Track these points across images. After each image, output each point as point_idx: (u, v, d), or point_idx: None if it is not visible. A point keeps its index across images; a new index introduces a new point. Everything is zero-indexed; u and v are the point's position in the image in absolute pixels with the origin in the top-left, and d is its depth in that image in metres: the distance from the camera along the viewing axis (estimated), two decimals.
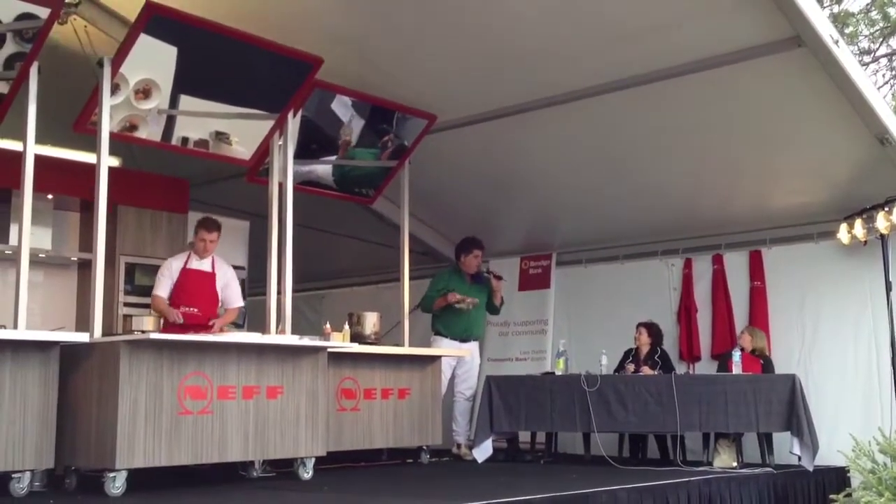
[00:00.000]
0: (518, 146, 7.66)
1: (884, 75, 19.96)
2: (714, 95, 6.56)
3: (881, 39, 19.46)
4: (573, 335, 8.47)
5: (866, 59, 19.68)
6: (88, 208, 6.76)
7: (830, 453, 6.54)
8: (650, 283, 8.26)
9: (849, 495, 6.21)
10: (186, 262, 6.51)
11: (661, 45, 6.19)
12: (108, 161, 5.71)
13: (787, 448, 6.68)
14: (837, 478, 6.59)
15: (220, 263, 6.65)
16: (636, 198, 7.82)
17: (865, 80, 6.13)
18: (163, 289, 6.43)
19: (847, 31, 19.28)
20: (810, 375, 7.18)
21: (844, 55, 5.84)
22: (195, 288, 6.46)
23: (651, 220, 8.05)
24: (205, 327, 6.28)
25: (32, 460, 5.01)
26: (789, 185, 7.33)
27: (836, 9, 19.12)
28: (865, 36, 19.58)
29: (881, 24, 19.15)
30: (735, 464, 6.64)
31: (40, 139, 5.60)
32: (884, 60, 19.84)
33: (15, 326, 5.20)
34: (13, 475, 4.96)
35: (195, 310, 6.40)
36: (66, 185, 7.24)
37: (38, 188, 5.51)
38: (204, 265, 6.54)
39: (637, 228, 8.22)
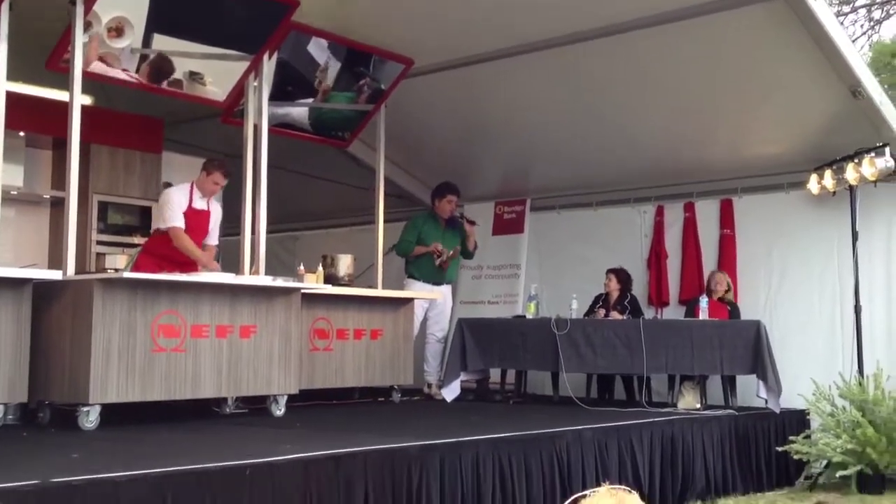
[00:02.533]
0: (495, 92, 7.67)
1: (862, 26, 19.99)
2: (691, 45, 6.58)
3: None
4: (545, 280, 8.58)
5: (846, 9, 19.68)
6: (61, 146, 6.72)
7: (792, 397, 6.73)
8: (622, 229, 8.36)
9: (808, 437, 6.43)
10: (191, 201, 6.28)
11: None
12: (80, 99, 5.67)
13: (749, 391, 6.87)
14: (797, 420, 6.78)
15: (214, 201, 6.50)
16: (610, 145, 7.87)
17: (840, 32, 6.18)
18: (180, 220, 6.16)
19: None
20: (775, 322, 7.33)
21: (820, 7, 5.89)
22: (193, 227, 6.27)
23: (625, 167, 8.10)
24: (192, 265, 6.20)
25: (5, 394, 5.07)
26: (762, 135, 7.40)
27: None
28: None
29: None
30: (699, 405, 6.80)
31: (12, 76, 5.54)
32: (862, 11, 19.86)
33: None
34: None
35: None
36: (38, 123, 7.18)
37: (10, 125, 5.47)
38: (203, 203, 6.35)
39: (611, 175, 8.28)
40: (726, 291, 7.45)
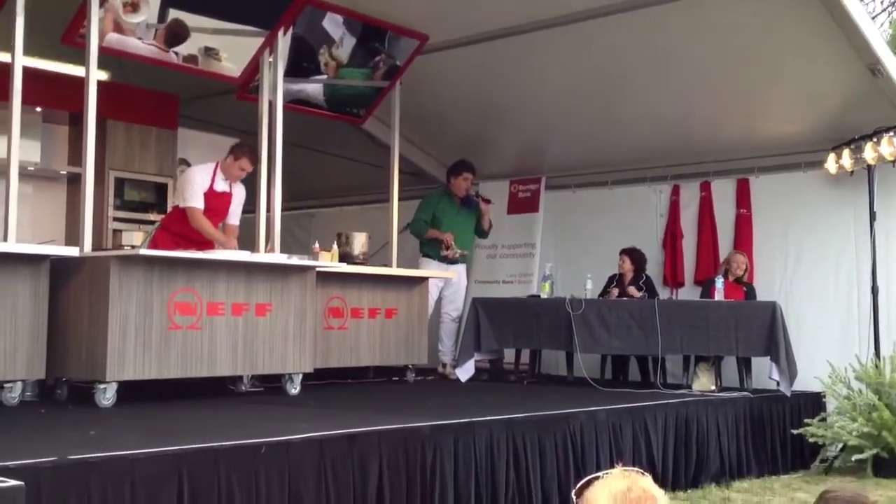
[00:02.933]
0: (510, 69, 7.62)
1: (882, 2, 19.74)
2: (707, 22, 6.52)
3: None
4: (560, 259, 8.55)
5: None
6: (77, 122, 6.72)
7: (807, 379, 6.70)
8: (638, 208, 8.30)
9: (824, 419, 6.40)
10: (213, 183, 6.14)
11: None
12: (96, 74, 5.67)
13: (765, 374, 6.83)
14: (813, 403, 6.75)
15: (238, 183, 6.37)
16: (626, 124, 7.82)
17: (859, 8, 6.11)
18: (199, 200, 6.05)
19: None
20: (791, 303, 7.28)
21: None
22: (213, 208, 6.16)
23: (640, 146, 8.05)
24: (209, 244, 6.10)
25: (24, 371, 5.10)
26: (779, 114, 7.34)
27: None
28: None
29: None
30: (713, 387, 6.79)
31: (28, 51, 5.54)
32: None
33: (5, 239, 5.22)
34: (5, 385, 5.06)
35: None
36: (54, 98, 7.18)
37: (27, 101, 5.47)
38: (225, 185, 6.21)
39: (626, 154, 8.22)
40: (744, 272, 7.41)
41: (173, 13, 6.12)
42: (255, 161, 6.32)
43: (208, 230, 6.08)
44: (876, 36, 6.23)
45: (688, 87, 7.25)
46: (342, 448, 4.01)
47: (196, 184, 6.10)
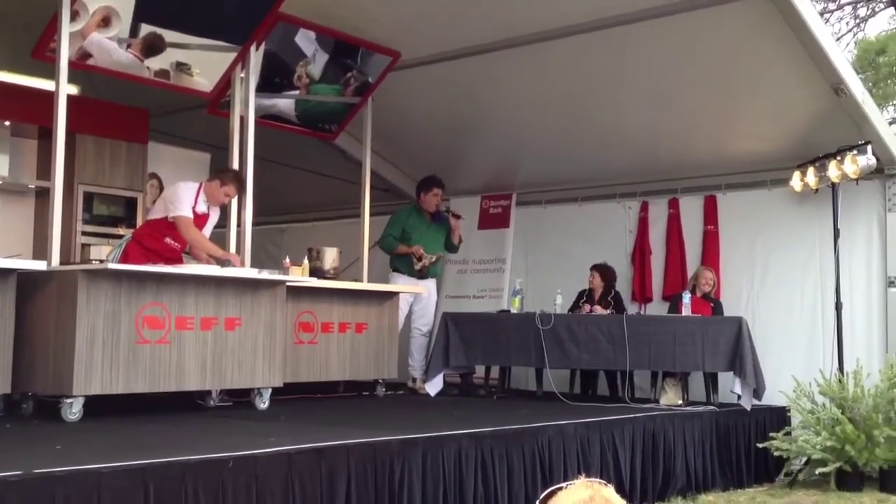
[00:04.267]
0: (481, 86, 7.69)
1: (847, 23, 20.10)
2: (674, 41, 6.63)
3: None
4: (530, 274, 8.62)
5: (832, 6, 19.78)
6: (47, 136, 6.68)
7: (773, 393, 6.77)
8: (607, 224, 8.39)
9: (788, 433, 6.49)
10: (195, 203, 6.09)
11: None
12: (66, 89, 5.66)
13: (731, 388, 6.91)
14: (778, 417, 6.83)
15: (215, 207, 6.33)
16: (596, 141, 7.91)
17: (823, 29, 6.23)
18: (188, 210, 6.01)
19: None
20: (758, 318, 7.38)
21: (803, 4, 5.93)
22: None
23: (610, 163, 8.15)
24: (178, 260, 6.14)
25: None
26: (746, 132, 7.46)
27: None
28: None
29: None
30: (680, 402, 6.85)
31: None
32: (848, 8, 19.95)
33: None
34: None
35: (178, 245, 6.21)
36: (23, 112, 7.16)
37: None
38: (204, 207, 6.17)
39: (596, 171, 8.31)
40: (712, 288, 7.49)
41: (145, 28, 6.12)
42: (242, 189, 6.33)
43: (203, 243, 6.06)
44: (839, 56, 6.36)
45: (656, 105, 7.36)
46: (310, 462, 4.02)
47: (185, 198, 6.07)
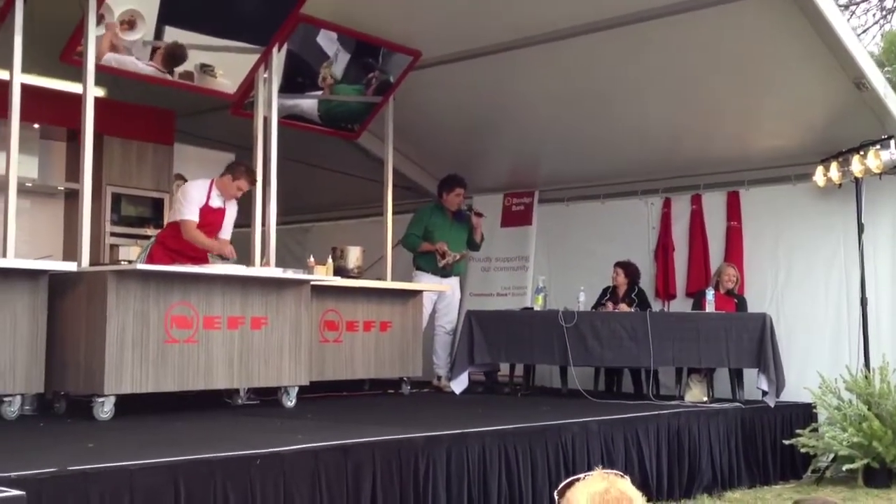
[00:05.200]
0: (502, 84, 7.71)
1: (874, 15, 19.91)
2: (695, 37, 6.63)
3: None
4: (553, 272, 8.63)
5: None
6: (75, 138, 6.80)
7: (798, 390, 6.75)
8: (630, 221, 8.38)
9: (815, 430, 6.47)
10: (208, 199, 6.19)
11: None
12: (93, 91, 5.76)
13: (757, 384, 6.89)
14: (804, 414, 6.81)
15: (232, 201, 6.39)
16: (618, 138, 7.91)
17: (843, 24, 6.21)
18: (194, 214, 6.11)
19: None
20: (782, 314, 7.36)
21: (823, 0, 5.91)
22: (208, 224, 6.21)
23: (632, 160, 8.14)
24: (204, 260, 6.19)
25: (23, 385, 5.15)
26: (768, 128, 7.44)
27: None
28: None
29: None
30: (706, 398, 6.85)
31: (27, 68, 5.63)
32: (875, 0, 19.79)
33: (3, 255, 5.29)
34: (4, 399, 5.11)
35: None
36: (52, 115, 7.28)
37: (25, 117, 5.57)
38: (219, 202, 6.25)
39: (618, 168, 8.32)
40: (735, 284, 7.48)
41: (169, 31, 6.20)
42: (253, 181, 6.38)
43: (201, 239, 6.12)
44: (860, 51, 6.33)
45: (677, 101, 7.35)
46: (336, 459, 4.07)
47: (192, 198, 6.15)
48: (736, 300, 7.41)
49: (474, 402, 6.78)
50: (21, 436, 4.60)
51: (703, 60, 6.84)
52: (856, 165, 6.81)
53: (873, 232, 7.02)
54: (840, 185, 7.06)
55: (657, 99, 7.37)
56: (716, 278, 7.55)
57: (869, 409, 6.16)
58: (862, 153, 6.78)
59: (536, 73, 7.45)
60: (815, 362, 6.84)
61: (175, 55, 6.32)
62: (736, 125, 7.49)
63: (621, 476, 2.18)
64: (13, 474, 3.15)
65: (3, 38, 5.57)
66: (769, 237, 7.70)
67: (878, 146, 6.70)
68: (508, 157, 8.91)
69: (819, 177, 7.14)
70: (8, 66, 5.48)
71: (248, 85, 6.76)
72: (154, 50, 6.22)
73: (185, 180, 8.31)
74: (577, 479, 2.16)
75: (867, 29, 19.72)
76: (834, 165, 7.01)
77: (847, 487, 6.15)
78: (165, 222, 6.23)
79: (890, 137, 6.67)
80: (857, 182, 6.95)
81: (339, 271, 6.97)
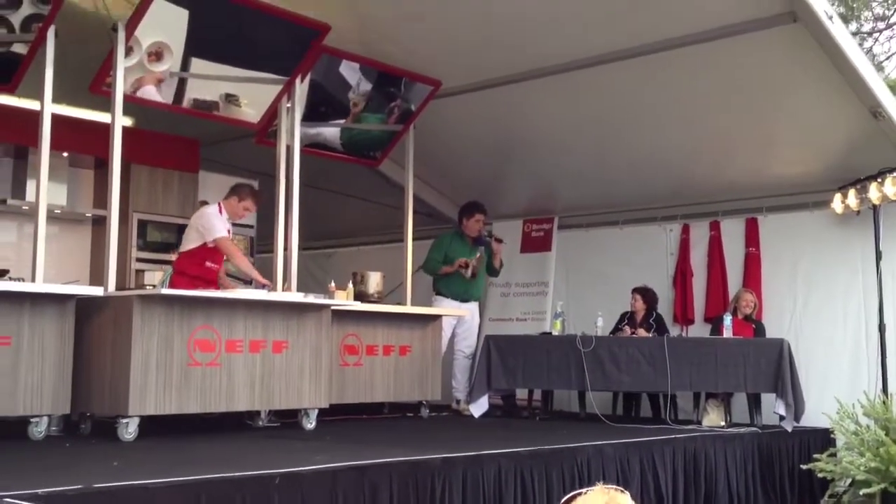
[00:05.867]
0: (520, 113, 7.83)
1: None
2: (712, 67, 6.71)
3: (895, 6, 19.39)
4: (572, 297, 8.71)
5: (881, 25, 19.63)
6: (102, 166, 6.96)
7: (816, 415, 6.76)
8: (648, 247, 8.47)
9: (832, 455, 6.46)
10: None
11: (661, 18, 6.37)
12: (121, 121, 5.92)
13: (774, 409, 6.91)
14: (822, 439, 6.81)
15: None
16: (636, 164, 8.00)
17: (859, 54, 6.27)
18: (224, 230, 6.28)
19: None
20: (801, 340, 7.40)
21: (838, 30, 6.00)
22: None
23: (650, 186, 8.23)
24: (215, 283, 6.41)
25: (50, 406, 5.28)
26: (785, 156, 7.50)
27: None
28: (879, 2, 19.52)
29: None
30: (723, 423, 6.87)
31: (57, 99, 5.79)
32: None
33: (33, 280, 5.44)
34: (32, 419, 5.23)
35: (217, 266, 6.45)
36: (81, 144, 7.44)
37: (55, 146, 5.74)
38: (229, 224, 6.43)
39: (637, 194, 8.40)
40: (753, 310, 7.51)
41: (196, 62, 6.36)
42: (259, 202, 6.56)
43: (240, 256, 6.44)
44: (876, 80, 6.39)
45: (695, 129, 7.44)
46: (354, 479, 4.15)
47: (218, 219, 6.30)
48: (754, 325, 7.44)
49: (492, 426, 6.84)
50: (48, 455, 4.72)
51: (719, 89, 6.93)
52: (873, 193, 6.85)
53: (891, 258, 7.07)
54: (858, 212, 7.11)
55: (675, 126, 7.46)
56: (734, 304, 7.59)
57: (886, 435, 6.15)
58: (879, 180, 6.83)
59: (554, 101, 7.56)
60: (833, 387, 6.86)
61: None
62: (753, 152, 7.55)
63: (622, 491, 2.25)
64: (40, 491, 3.26)
65: (34, 68, 5.76)
66: (787, 263, 7.74)
67: (895, 174, 6.74)
68: (528, 183, 9.02)
69: (837, 204, 7.19)
70: (39, 96, 5.66)
71: (272, 114, 6.92)
72: (181, 82, 6.38)
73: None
74: (579, 494, 2.22)
75: (890, 56, 19.77)
76: (852, 193, 7.06)
77: None
78: (180, 251, 6.41)
79: None
80: (875, 209, 6.99)
81: (360, 296, 7.07)
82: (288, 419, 6.23)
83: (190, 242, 6.37)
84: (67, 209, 7.61)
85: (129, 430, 5.29)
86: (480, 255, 8.11)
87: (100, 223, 7.35)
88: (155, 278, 7.27)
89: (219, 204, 6.45)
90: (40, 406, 5.24)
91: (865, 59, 6.46)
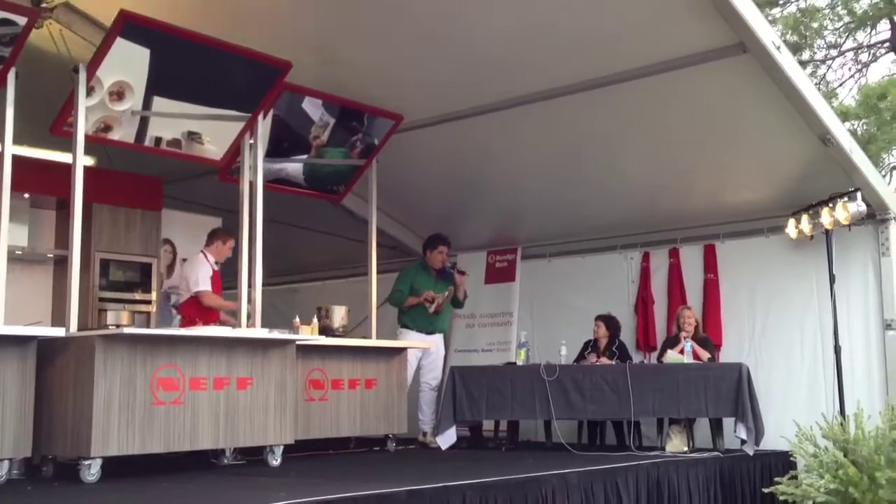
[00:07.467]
0: (482, 145, 7.93)
1: (849, 69, 20.41)
2: (668, 97, 6.85)
3: (847, 34, 19.89)
4: (536, 326, 8.78)
5: (833, 52, 20.11)
6: (64, 206, 6.96)
7: (776, 438, 6.85)
8: (610, 275, 8.58)
9: (793, 478, 6.54)
10: (212, 269, 7.13)
11: (616, 51, 6.50)
12: (83, 161, 5.91)
13: (735, 433, 7.00)
14: (782, 462, 6.89)
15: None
16: (597, 195, 8.12)
17: (807, 82, 6.45)
18: (208, 284, 7.04)
19: (814, 25, 19.70)
20: (760, 364, 7.52)
21: (786, 60, 6.16)
22: (216, 286, 7.19)
23: (611, 215, 8.35)
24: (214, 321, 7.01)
25: (11, 449, 5.24)
26: (740, 183, 7.65)
27: (801, 2, 19.51)
28: (831, 31, 20.01)
29: (847, 20, 19.57)
30: (686, 448, 6.96)
31: (18, 140, 5.79)
32: (850, 54, 20.28)
33: None
34: None
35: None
36: (42, 185, 7.42)
37: (15, 187, 5.71)
38: (216, 266, 7.21)
39: (598, 224, 8.52)
40: (695, 326, 7.60)
41: (158, 101, 6.39)
42: (233, 238, 7.04)
43: (220, 303, 7.12)
44: (824, 107, 6.56)
45: (653, 159, 7.57)
46: None
47: (206, 271, 7.04)
48: (701, 340, 7.50)
49: (458, 458, 6.87)
50: (10, 500, 4.68)
51: (675, 119, 7.07)
52: (825, 217, 7.01)
53: (845, 281, 7.21)
54: (811, 236, 7.27)
55: (633, 156, 7.59)
56: (675, 325, 7.67)
57: (845, 456, 6.24)
58: (831, 205, 6.99)
59: (516, 133, 7.67)
60: (792, 410, 6.95)
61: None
62: (710, 181, 7.70)
63: None
64: None
65: None
66: (745, 288, 7.88)
67: (845, 198, 6.91)
68: (491, 215, 9.10)
69: (791, 229, 7.35)
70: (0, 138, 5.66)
71: (235, 151, 6.95)
72: (142, 121, 6.41)
73: (173, 245, 8.52)
74: None
75: (843, 82, 20.24)
76: (805, 218, 7.22)
77: None
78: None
79: (856, 190, 6.89)
80: (828, 234, 7.14)
81: (325, 330, 7.10)
82: (253, 456, 6.22)
83: (185, 292, 7.14)
84: (28, 250, 7.56)
85: (91, 471, 5.26)
86: (449, 293, 8.17)
87: (62, 263, 7.31)
88: (120, 317, 7.25)
89: (202, 253, 7.02)
90: (1, 450, 5.19)
91: (813, 87, 6.64)
